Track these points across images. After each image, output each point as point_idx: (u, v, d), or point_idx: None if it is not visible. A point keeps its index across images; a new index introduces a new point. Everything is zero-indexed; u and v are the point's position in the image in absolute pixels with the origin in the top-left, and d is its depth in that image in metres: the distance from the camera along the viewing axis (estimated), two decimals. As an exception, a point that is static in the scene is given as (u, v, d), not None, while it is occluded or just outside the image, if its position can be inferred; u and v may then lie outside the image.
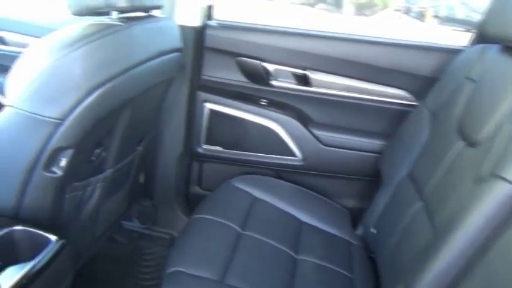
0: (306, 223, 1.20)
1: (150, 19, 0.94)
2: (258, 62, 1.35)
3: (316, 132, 1.39)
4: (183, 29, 1.17)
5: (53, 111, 0.74)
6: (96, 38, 0.76)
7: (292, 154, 1.41)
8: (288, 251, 1.05)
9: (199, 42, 1.33)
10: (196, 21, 1.29)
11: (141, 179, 1.41)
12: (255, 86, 1.40)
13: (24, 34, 1.45)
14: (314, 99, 1.39)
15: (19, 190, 0.79)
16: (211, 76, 1.40)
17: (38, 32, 1.45)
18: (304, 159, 1.41)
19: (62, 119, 0.75)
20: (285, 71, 1.37)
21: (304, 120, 1.40)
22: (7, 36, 1.46)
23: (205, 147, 1.47)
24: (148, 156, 1.32)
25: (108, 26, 0.80)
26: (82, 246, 1.05)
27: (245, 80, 1.40)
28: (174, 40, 1.04)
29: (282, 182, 1.39)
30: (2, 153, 0.77)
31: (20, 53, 1.49)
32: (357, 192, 1.45)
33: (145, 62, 0.88)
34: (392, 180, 1.12)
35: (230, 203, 1.20)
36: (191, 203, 1.56)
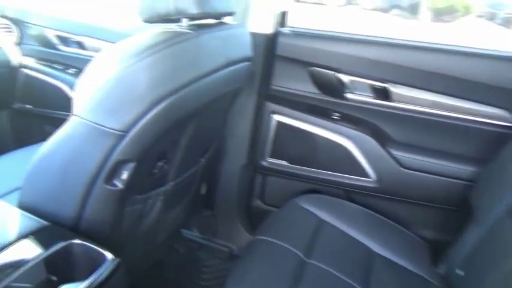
0: (378, 254, 1.07)
1: (221, 26, 0.88)
2: (332, 72, 1.24)
3: (395, 152, 1.25)
4: (254, 36, 1.10)
5: (117, 123, 0.70)
6: (163, 47, 0.71)
7: (365, 174, 1.28)
8: (358, 286, 0.93)
9: (270, 50, 1.26)
10: (268, 28, 1.22)
11: (203, 189, 1.37)
12: (328, 99, 1.30)
13: (101, 39, 1.49)
14: (394, 115, 1.25)
15: (80, 202, 0.76)
16: (280, 86, 1.32)
17: (114, 38, 1.49)
18: (378, 180, 1.27)
19: (125, 131, 0.71)
20: (362, 83, 1.24)
21: (381, 138, 1.26)
22: (86, 41, 1.51)
23: (270, 161, 1.39)
24: (210, 166, 1.27)
25: (177, 34, 0.75)
26: (139, 259, 1.02)
27: (317, 91, 1.30)
28: (245, 49, 0.98)
29: (352, 204, 1.26)
30: (66, 163, 0.76)
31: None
32: (439, 223, 1.27)
33: (214, 72, 0.82)
34: (487, 216, 0.95)
35: (295, 225, 1.11)
36: (252, 217, 1.50)
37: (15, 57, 1.59)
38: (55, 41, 1.54)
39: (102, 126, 0.70)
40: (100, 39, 1.48)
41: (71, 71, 1.57)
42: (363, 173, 1.28)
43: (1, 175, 1.23)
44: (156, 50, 0.70)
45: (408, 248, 1.13)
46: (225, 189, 1.43)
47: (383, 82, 1.22)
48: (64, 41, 1.54)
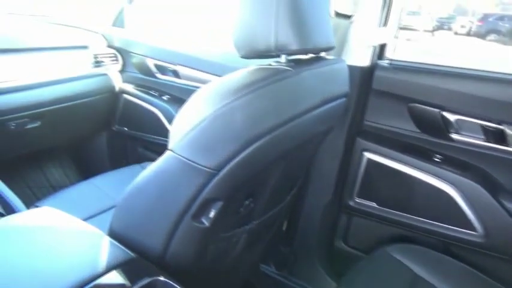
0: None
1: (320, 62, 0.83)
2: (436, 110, 1.12)
3: (508, 204, 1.07)
4: (349, 68, 1.04)
5: (209, 161, 0.68)
6: (262, 86, 0.68)
7: (470, 227, 1.12)
8: None
9: (366, 83, 1.18)
10: (364, 61, 1.15)
11: (284, 225, 1.32)
12: (429, 139, 1.17)
13: (195, 69, 1.54)
14: (510, 161, 1.08)
15: (167, 235, 0.76)
16: (375, 122, 1.23)
17: (208, 68, 1.54)
18: (486, 235, 1.10)
19: (217, 170, 0.69)
20: (472, 123, 1.10)
21: (492, 186, 1.10)
22: (181, 70, 1.57)
23: (357, 200, 1.29)
24: (293, 202, 1.21)
25: (277, 72, 0.72)
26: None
27: (416, 129, 1.19)
28: (343, 84, 0.92)
29: (452, 259, 1.10)
30: (157, 196, 0.75)
31: (189, 86, 1.64)
32: None
33: (311, 111, 0.77)
34: None
35: (386, 278, 1.00)
36: (333, 258, 1.40)
37: (118, 83, 1.72)
38: (153, 69, 1.64)
39: (195, 163, 0.69)
40: (194, 68, 1.54)
41: (165, 97, 1.64)
42: (467, 224, 1.12)
43: (98, 193, 1.31)
44: (254, 88, 0.67)
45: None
46: (306, 226, 1.36)
47: (498, 123, 1.06)
48: (161, 69, 1.63)
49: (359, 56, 1.13)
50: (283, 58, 0.77)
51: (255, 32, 0.73)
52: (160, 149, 1.71)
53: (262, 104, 0.68)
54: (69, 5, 2.10)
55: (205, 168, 0.69)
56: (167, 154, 0.73)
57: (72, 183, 1.90)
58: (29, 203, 1.70)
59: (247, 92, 0.67)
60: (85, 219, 1.18)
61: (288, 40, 0.72)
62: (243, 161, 0.69)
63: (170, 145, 0.72)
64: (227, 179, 0.70)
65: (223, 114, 0.67)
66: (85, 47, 1.57)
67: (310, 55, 0.86)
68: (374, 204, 1.27)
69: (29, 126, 1.42)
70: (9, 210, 1.08)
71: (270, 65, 0.78)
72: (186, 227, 0.75)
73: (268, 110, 0.69)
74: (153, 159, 1.76)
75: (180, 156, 0.71)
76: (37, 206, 1.19)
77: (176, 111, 1.64)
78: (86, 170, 1.94)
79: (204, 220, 0.75)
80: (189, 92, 1.67)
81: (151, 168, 0.76)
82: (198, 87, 1.56)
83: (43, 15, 1.91)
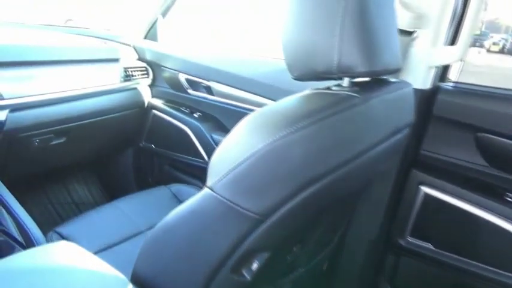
0: None
1: (388, 86, 0.70)
2: (510, 142, 0.97)
3: None
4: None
5: (256, 206, 0.56)
6: (324, 116, 0.55)
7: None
8: None
9: (425, 108, 1.04)
10: (426, 83, 1.01)
11: (324, 265, 1.17)
12: (500, 174, 1.01)
13: (228, 85, 1.44)
14: None
15: (202, 287, 0.63)
16: (434, 152, 1.08)
17: (242, 84, 1.43)
18: None
19: (265, 216, 0.56)
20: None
21: None
22: (214, 86, 1.47)
23: (409, 240, 1.14)
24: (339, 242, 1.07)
25: (341, 99, 0.59)
26: None
27: (484, 163, 1.03)
28: (410, 112, 0.78)
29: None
30: (192, 241, 0.63)
31: (223, 103, 1.54)
32: None
33: (377, 145, 0.64)
34: None
35: None
36: (377, 302, 1.24)
37: (147, 98, 1.63)
38: (185, 84, 1.54)
39: (239, 206, 0.57)
40: (227, 84, 1.43)
41: (196, 114, 1.54)
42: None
43: (122, 218, 1.21)
44: (316, 119, 0.54)
45: None
46: (348, 265, 1.21)
47: None
48: (193, 84, 1.53)
49: (420, 77, 0.99)
50: (345, 81, 0.64)
51: (314, 50, 0.61)
52: (188, 169, 1.63)
53: (325, 138, 0.55)
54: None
55: (250, 214, 0.56)
56: (205, 192, 0.61)
57: (96, 200, 1.83)
58: (50, 222, 1.63)
59: (307, 123, 0.54)
60: (107, 248, 1.08)
61: (354, 61, 0.60)
62: (297, 207, 0.56)
63: (209, 182, 0.60)
64: (276, 228, 0.57)
65: (276, 150, 0.54)
66: (116, 60, 1.49)
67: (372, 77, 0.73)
68: (430, 246, 1.11)
69: (54, 142, 1.34)
70: (26, 237, 1.00)
71: (329, 88, 0.66)
72: (223, 280, 0.62)
73: (331, 146, 0.56)
74: (180, 180, 1.66)
75: (220, 197, 0.58)
76: (57, 232, 1.09)
77: (207, 130, 1.55)
78: (111, 187, 1.85)
79: (245, 273, 0.62)
80: (222, 109, 1.58)
81: (184, 206, 0.64)
82: (232, 105, 1.49)
83: (75, 27, 1.86)
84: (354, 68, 0.60)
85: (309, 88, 0.67)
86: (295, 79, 0.67)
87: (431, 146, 1.08)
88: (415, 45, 0.98)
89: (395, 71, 0.70)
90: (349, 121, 0.58)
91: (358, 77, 0.64)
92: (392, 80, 0.77)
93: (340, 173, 0.58)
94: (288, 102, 0.60)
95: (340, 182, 0.60)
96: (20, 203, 1.15)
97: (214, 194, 0.59)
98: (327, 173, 0.56)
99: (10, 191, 1.18)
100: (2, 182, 1.11)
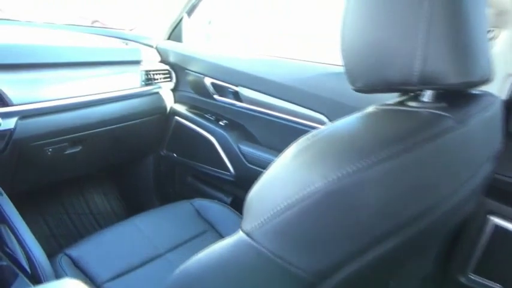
0: None
1: (478, 101, 0.54)
2: None
3: None
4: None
5: (310, 263, 0.41)
6: (410, 146, 0.40)
7: None
8: None
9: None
10: (501, 94, 0.84)
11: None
12: None
13: (257, 91, 1.29)
14: None
15: None
16: (509, 177, 0.90)
17: (274, 91, 1.28)
18: None
19: (321, 277, 0.41)
20: None
21: None
22: (242, 91, 1.33)
23: (472, 277, 0.96)
24: None
25: (430, 121, 0.44)
26: None
27: None
28: (500, 132, 0.62)
29: None
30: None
31: (251, 111, 1.39)
32: None
33: (472, 178, 0.48)
34: None
35: None
36: None
37: (170, 103, 1.51)
38: (211, 89, 1.41)
39: (287, 262, 0.42)
40: (256, 90, 1.29)
41: (222, 122, 1.41)
42: None
43: (139, 238, 1.09)
44: (398, 149, 0.39)
45: None
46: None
47: None
48: (220, 90, 1.40)
49: (495, 86, 0.82)
50: (428, 95, 0.49)
51: (391, 56, 0.46)
52: (213, 181, 1.48)
53: (411, 177, 0.40)
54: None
55: (302, 274, 0.42)
56: (240, 238, 0.46)
57: (115, 211, 1.72)
58: (65, 234, 1.53)
59: (386, 155, 0.39)
60: (121, 274, 0.97)
61: (443, 68, 0.44)
62: (366, 267, 0.41)
63: (246, 226, 0.46)
64: None
65: (342, 192, 0.39)
66: (136, 62, 1.38)
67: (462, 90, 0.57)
68: (498, 286, 0.93)
69: (69, 151, 1.23)
70: (31, 262, 0.88)
71: (403, 104, 0.50)
72: None
73: (420, 186, 0.41)
74: (203, 193, 1.51)
75: (261, 247, 0.44)
76: (66, 255, 0.97)
77: (234, 140, 1.40)
78: (130, 197, 1.74)
79: None
80: (250, 117, 1.42)
81: (217, 253, 0.50)
82: (262, 112, 1.34)
83: (99, 27, 1.76)
84: (443, 78, 0.45)
85: (374, 104, 0.51)
86: (358, 90, 0.52)
87: (506, 169, 0.90)
88: (491, 47, 0.81)
89: (489, 82, 0.54)
90: (444, 151, 0.43)
91: (446, 89, 0.48)
92: (474, 91, 0.61)
93: (430, 218, 0.42)
94: (355, 123, 0.45)
95: (429, 229, 0.44)
96: (35, 214, 1.05)
97: (253, 242, 0.45)
98: (411, 221, 0.41)
99: (21, 203, 1.08)
100: (9, 197, 1.00)
